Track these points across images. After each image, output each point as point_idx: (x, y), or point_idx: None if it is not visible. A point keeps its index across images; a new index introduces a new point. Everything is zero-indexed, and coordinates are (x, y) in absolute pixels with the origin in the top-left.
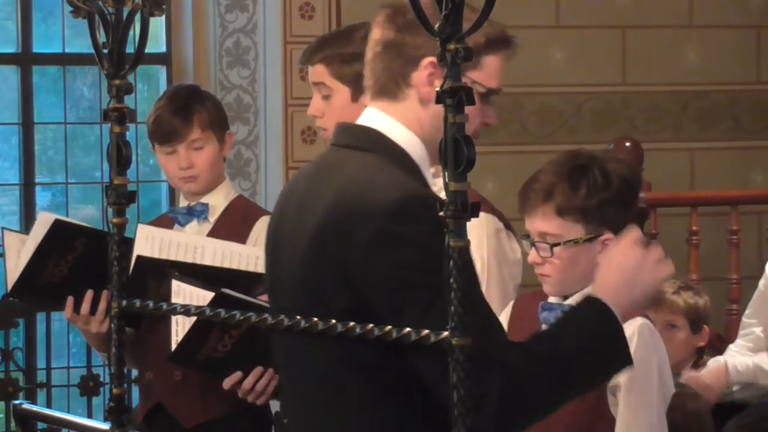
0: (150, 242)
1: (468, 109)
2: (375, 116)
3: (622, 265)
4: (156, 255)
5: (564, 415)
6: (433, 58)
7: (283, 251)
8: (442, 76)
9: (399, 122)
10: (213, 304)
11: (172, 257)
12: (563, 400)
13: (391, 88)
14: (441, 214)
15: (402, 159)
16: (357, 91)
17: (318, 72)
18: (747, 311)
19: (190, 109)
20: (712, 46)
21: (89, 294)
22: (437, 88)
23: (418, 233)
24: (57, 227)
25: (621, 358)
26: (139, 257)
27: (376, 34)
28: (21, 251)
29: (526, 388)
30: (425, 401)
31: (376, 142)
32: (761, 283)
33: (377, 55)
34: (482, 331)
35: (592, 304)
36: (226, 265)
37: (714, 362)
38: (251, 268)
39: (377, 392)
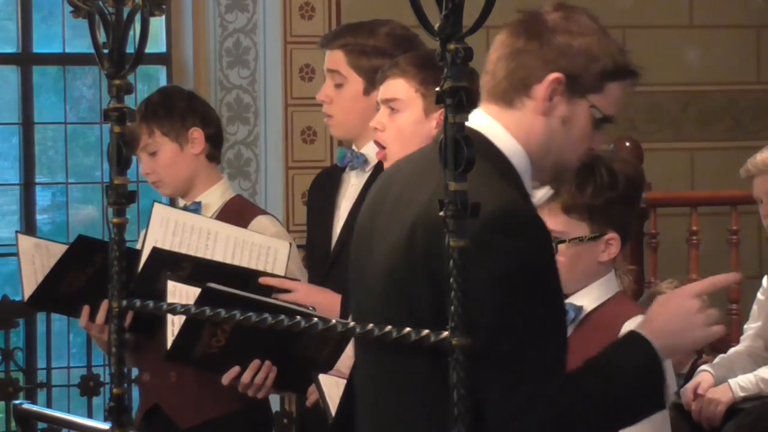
0: (165, 224)
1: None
2: (483, 120)
3: (678, 309)
4: (170, 237)
5: None
6: (559, 75)
7: (376, 243)
8: (565, 93)
9: (507, 130)
10: (201, 298)
11: (185, 242)
12: None
13: (508, 95)
14: (541, 231)
15: (504, 167)
16: (370, 85)
17: (335, 58)
18: (747, 322)
19: (140, 115)
20: (712, 46)
21: (105, 304)
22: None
23: (515, 248)
24: (80, 243)
25: (657, 401)
26: (154, 249)
27: (505, 37)
28: (35, 255)
29: (571, 421)
30: None
31: (481, 147)
32: (759, 295)
33: (501, 59)
34: (536, 359)
35: (640, 342)
36: (238, 253)
37: (702, 371)
38: (263, 258)
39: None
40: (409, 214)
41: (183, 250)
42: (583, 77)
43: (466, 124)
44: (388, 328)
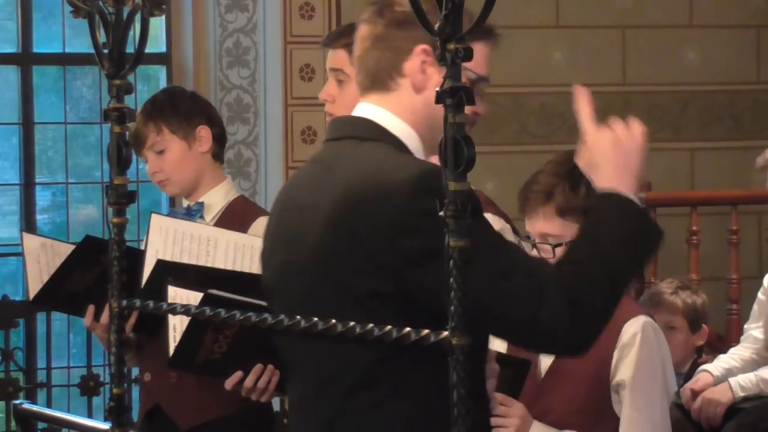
0: (164, 233)
1: None
2: (368, 109)
3: (608, 152)
4: (170, 246)
5: (568, 413)
6: (425, 45)
7: (289, 250)
8: (435, 63)
9: (392, 113)
10: (202, 305)
11: (186, 250)
12: (619, 291)
13: (383, 80)
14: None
15: (400, 147)
16: None
17: (338, 57)
18: (748, 322)
19: (147, 114)
20: (712, 46)
21: None
22: (435, 84)
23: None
24: (87, 243)
25: (653, 233)
26: (159, 261)
27: (364, 30)
28: (40, 255)
29: (585, 299)
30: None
31: (373, 131)
32: (760, 295)
33: (367, 51)
34: (528, 272)
35: (606, 198)
36: (239, 258)
37: (702, 371)
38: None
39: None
40: (322, 211)
41: (185, 259)
42: None
43: (354, 114)
44: (388, 327)
